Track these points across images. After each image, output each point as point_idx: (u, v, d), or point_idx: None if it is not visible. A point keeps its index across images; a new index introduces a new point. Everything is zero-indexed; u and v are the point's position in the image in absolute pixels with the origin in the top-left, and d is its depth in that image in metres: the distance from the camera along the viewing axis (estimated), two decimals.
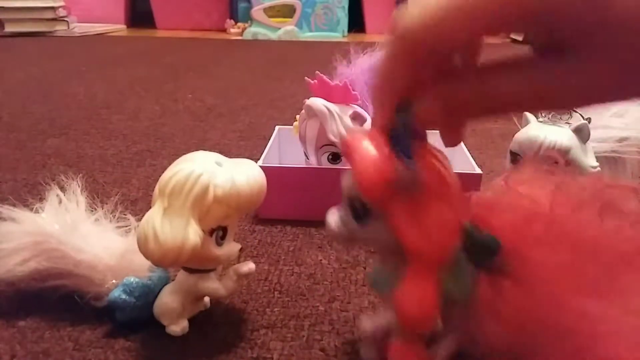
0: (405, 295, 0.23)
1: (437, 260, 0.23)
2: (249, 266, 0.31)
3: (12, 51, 1.54)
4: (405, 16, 0.20)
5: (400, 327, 0.25)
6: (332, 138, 0.44)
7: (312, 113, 0.45)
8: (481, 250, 0.24)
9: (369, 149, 0.22)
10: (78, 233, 0.32)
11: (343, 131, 0.44)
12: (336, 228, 0.25)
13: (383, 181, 0.21)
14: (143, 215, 0.28)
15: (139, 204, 0.50)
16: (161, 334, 0.31)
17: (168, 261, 0.27)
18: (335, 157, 0.46)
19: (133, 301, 0.31)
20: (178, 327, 0.31)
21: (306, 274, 0.38)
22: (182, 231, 0.26)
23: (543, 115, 0.43)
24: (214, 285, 0.30)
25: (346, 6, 2.13)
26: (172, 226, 0.26)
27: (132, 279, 0.31)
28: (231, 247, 0.30)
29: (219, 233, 0.29)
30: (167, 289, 0.31)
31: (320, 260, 0.40)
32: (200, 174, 0.27)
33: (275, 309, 0.34)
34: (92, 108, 0.88)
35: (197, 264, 0.30)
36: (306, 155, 0.48)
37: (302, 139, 0.47)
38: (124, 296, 0.31)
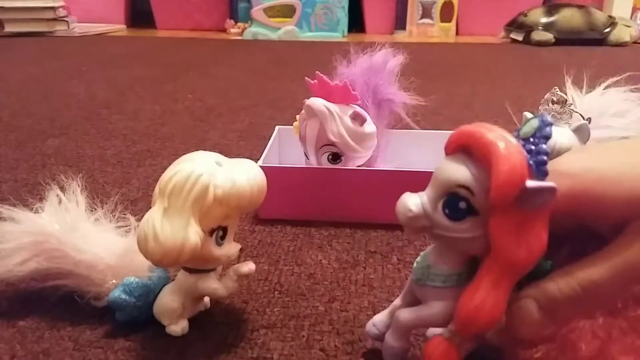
0: (480, 300, 0.23)
1: (523, 274, 0.23)
2: (249, 266, 0.31)
3: (12, 51, 1.54)
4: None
5: (456, 327, 0.24)
6: (332, 138, 0.44)
7: (312, 113, 0.45)
8: (539, 274, 0.24)
9: (513, 149, 0.21)
10: (78, 233, 0.32)
11: (343, 131, 0.44)
12: (417, 212, 0.24)
13: (519, 189, 0.21)
14: (143, 215, 0.28)
15: (139, 204, 0.50)
16: (161, 334, 0.31)
17: (168, 261, 0.27)
18: (335, 157, 0.46)
19: (133, 301, 0.31)
20: (178, 327, 0.31)
21: (306, 274, 0.38)
22: (182, 231, 0.26)
23: None
24: (214, 286, 0.30)
25: (346, 6, 2.13)
26: (172, 226, 0.26)
27: (131, 279, 0.31)
28: (231, 247, 0.30)
29: (219, 233, 0.29)
30: (167, 289, 0.31)
31: (320, 260, 0.40)
32: (201, 174, 0.27)
33: (275, 309, 0.34)
34: (92, 108, 0.88)
35: (197, 264, 0.30)
36: (306, 155, 0.48)
37: (302, 139, 0.47)
38: (123, 296, 0.31)
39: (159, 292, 0.32)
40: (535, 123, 0.22)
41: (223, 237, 0.29)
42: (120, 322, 0.31)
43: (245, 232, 0.45)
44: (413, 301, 0.27)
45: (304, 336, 0.31)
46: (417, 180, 0.44)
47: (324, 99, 0.45)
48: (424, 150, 0.55)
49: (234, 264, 0.31)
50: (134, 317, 0.31)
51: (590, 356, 0.24)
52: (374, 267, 0.39)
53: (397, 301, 0.29)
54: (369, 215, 0.46)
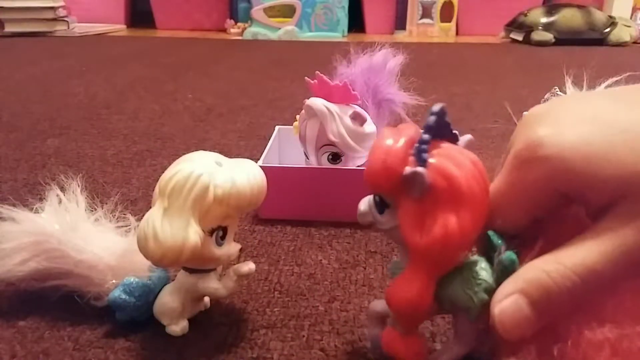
0: (395, 287, 0.25)
1: (434, 261, 0.23)
2: (249, 266, 0.31)
3: (12, 51, 1.54)
4: (555, 140, 0.21)
5: (392, 316, 0.26)
6: (332, 138, 0.44)
7: (312, 113, 0.45)
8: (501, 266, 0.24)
9: (386, 141, 0.24)
10: (78, 233, 0.32)
11: (343, 131, 0.44)
12: (363, 209, 0.26)
13: (386, 175, 0.23)
14: (143, 215, 0.28)
15: (139, 204, 0.50)
16: (161, 334, 0.31)
17: (168, 261, 0.27)
18: (335, 157, 0.46)
19: (133, 301, 0.31)
20: (178, 326, 0.31)
21: (306, 274, 0.38)
22: (182, 231, 0.26)
23: None
24: (214, 286, 0.30)
25: (346, 6, 2.13)
26: (172, 226, 0.26)
27: (131, 279, 0.31)
28: (231, 247, 0.30)
29: (219, 233, 0.29)
30: (167, 289, 0.31)
31: (320, 260, 0.40)
32: (201, 174, 0.27)
33: (275, 309, 0.34)
34: (92, 108, 0.88)
35: (197, 264, 0.30)
36: (306, 155, 0.48)
37: (302, 139, 0.47)
38: (123, 296, 0.31)
39: (159, 292, 0.31)
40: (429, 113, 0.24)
41: (223, 237, 0.29)
42: (121, 322, 0.31)
43: (245, 232, 0.45)
44: None
45: (304, 336, 0.31)
46: None
47: (324, 99, 0.45)
48: None
49: (234, 264, 0.31)
50: (134, 317, 0.31)
51: None
52: (374, 267, 0.39)
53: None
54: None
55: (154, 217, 0.27)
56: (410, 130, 0.24)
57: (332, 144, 0.45)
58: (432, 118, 0.23)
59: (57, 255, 0.32)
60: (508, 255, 0.23)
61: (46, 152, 0.65)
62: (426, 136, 0.23)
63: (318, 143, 0.46)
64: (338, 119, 0.44)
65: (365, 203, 0.26)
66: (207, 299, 0.33)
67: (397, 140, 0.24)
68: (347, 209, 0.46)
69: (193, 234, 0.27)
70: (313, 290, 0.36)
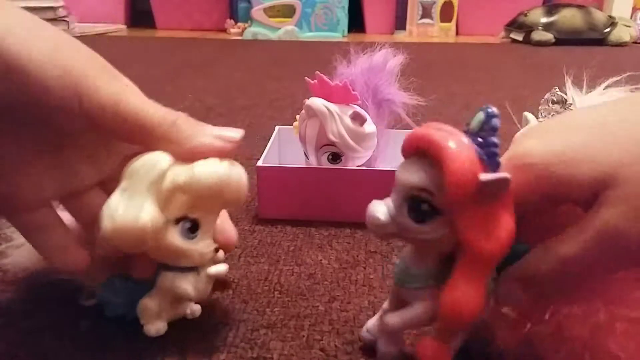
0: (459, 293, 0.23)
1: (494, 264, 0.24)
2: (218, 268, 0.30)
3: None
4: (540, 149, 0.24)
5: (442, 324, 0.25)
6: (332, 138, 0.44)
7: (312, 113, 0.45)
8: (515, 258, 0.25)
9: (462, 146, 0.22)
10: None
11: (343, 131, 0.44)
12: (385, 220, 0.24)
13: (474, 184, 0.22)
14: None
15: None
16: (161, 336, 0.31)
17: (124, 242, 0.26)
18: (335, 157, 0.46)
19: (118, 300, 0.31)
20: (153, 327, 0.30)
21: (306, 274, 0.38)
22: (135, 210, 0.26)
23: (543, 115, 0.43)
24: (184, 286, 0.29)
25: (346, 6, 2.13)
26: (127, 205, 0.26)
27: (115, 278, 0.31)
28: (205, 245, 0.29)
29: (185, 224, 0.28)
30: (152, 290, 0.31)
31: (320, 260, 0.40)
32: (160, 159, 0.27)
33: (275, 309, 0.34)
34: None
35: (164, 256, 0.29)
36: (306, 155, 0.48)
37: (302, 139, 0.47)
38: (108, 294, 0.31)
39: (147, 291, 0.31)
40: (481, 116, 0.23)
41: (193, 231, 0.28)
42: (110, 317, 0.31)
43: (245, 232, 0.45)
44: (399, 304, 0.28)
45: (304, 336, 0.31)
46: None
47: (324, 99, 0.45)
48: None
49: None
50: (122, 315, 0.31)
51: (585, 342, 0.24)
52: (374, 267, 0.39)
53: (385, 305, 0.29)
54: None
55: (112, 198, 0.26)
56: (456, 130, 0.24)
57: (332, 144, 0.45)
58: (496, 120, 0.23)
59: None
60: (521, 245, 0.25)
61: None
62: (496, 139, 0.23)
63: (318, 143, 0.46)
64: (338, 119, 0.44)
65: (383, 212, 0.25)
66: (196, 307, 0.31)
67: (466, 144, 0.23)
68: (347, 209, 0.46)
69: (146, 213, 0.26)
70: (313, 290, 0.36)
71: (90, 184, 0.30)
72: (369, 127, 0.46)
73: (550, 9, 1.93)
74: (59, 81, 0.25)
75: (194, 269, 0.29)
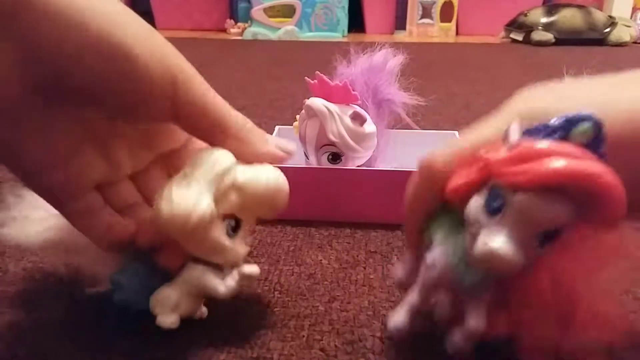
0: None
1: None
2: (252, 268, 0.30)
3: None
4: (433, 154, 0.27)
5: None
6: (332, 138, 0.44)
7: (312, 113, 0.45)
8: None
9: (610, 173, 0.21)
10: None
11: (343, 131, 0.44)
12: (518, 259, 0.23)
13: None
14: None
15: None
16: (161, 335, 0.31)
17: (175, 224, 0.26)
18: (335, 157, 0.46)
19: (134, 284, 0.30)
20: (168, 319, 0.30)
21: (306, 274, 0.38)
22: (195, 197, 0.26)
23: None
24: (215, 281, 0.30)
25: (346, 6, 2.13)
26: (187, 190, 0.26)
27: (135, 263, 0.30)
28: (241, 246, 0.30)
29: (231, 222, 0.29)
30: (171, 282, 0.30)
31: (320, 260, 0.40)
32: (226, 156, 0.28)
33: (275, 309, 0.34)
34: None
35: (204, 250, 0.29)
36: (306, 155, 0.48)
37: (302, 139, 0.47)
38: (126, 276, 0.30)
39: (161, 283, 0.30)
40: (588, 127, 0.22)
41: (235, 230, 0.29)
42: (117, 301, 0.30)
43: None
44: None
45: (304, 336, 0.31)
46: None
47: (324, 99, 0.45)
48: (424, 150, 0.55)
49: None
50: (131, 302, 0.30)
51: (558, 300, 0.24)
52: (374, 267, 0.39)
53: (414, 298, 0.28)
54: (369, 215, 0.46)
55: (174, 181, 0.27)
56: None
57: (332, 144, 0.45)
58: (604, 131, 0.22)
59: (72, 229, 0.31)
60: None
61: None
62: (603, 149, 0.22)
63: (318, 143, 0.46)
64: (338, 119, 0.44)
65: (513, 250, 0.22)
66: (203, 309, 0.32)
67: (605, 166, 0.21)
68: (347, 209, 0.46)
69: (205, 202, 0.26)
70: (313, 290, 0.36)
71: (125, 175, 0.30)
72: (369, 127, 0.46)
73: (550, 9, 1.93)
74: (160, 67, 0.25)
75: (221, 267, 0.30)
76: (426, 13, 2.16)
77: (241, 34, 2.09)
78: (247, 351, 0.30)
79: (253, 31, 2.03)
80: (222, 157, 0.28)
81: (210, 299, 0.32)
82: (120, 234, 0.29)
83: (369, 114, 0.46)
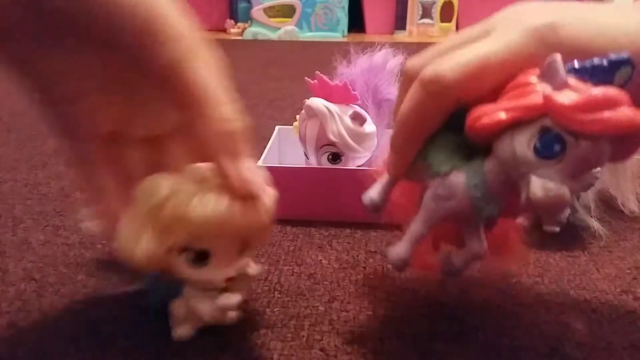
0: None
1: None
2: (227, 300, 0.28)
3: None
4: (438, 67, 0.25)
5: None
6: (332, 138, 0.44)
7: (312, 113, 0.45)
8: None
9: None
10: None
11: (343, 131, 0.44)
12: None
13: None
14: None
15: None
16: (161, 335, 0.31)
17: (133, 263, 0.26)
18: (335, 157, 0.46)
19: (165, 285, 0.30)
20: (178, 330, 0.30)
21: (306, 274, 0.38)
22: (134, 240, 0.26)
23: None
24: (199, 307, 0.29)
25: (346, 6, 2.13)
26: (128, 233, 0.26)
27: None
28: (216, 274, 0.28)
29: (189, 255, 0.27)
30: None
31: (320, 260, 0.40)
32: (161, 185, 0.26)
33: (275, 309, 0.34)
34: None
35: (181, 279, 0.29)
36: (306, 155, 0.48)
37: (302, 139, 0.47)
38: (152, 282, 0.31)
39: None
40: (627, 71, 0.22)
41: (201, 260, 0.27)
42: (151, 303, 0.32)
43: None
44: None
45: (304, 336, 0.31)
46: None
47: (324, 99, 0.45)
48: None
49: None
50: (166, 301, 0.30)
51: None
52: (374, 267, 0.39)
53: (419, 228, 0.28)
54: (368, 215, 0.46)
55: (124, 218, 0.27)
56: None
57: (332, 144, 0.45)
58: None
59: None
60: None
61: (46, 152, 0.65)
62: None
63: (318, 143, 0.46)
64: (338, 119, 0.44)
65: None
66: (232, 313, 0.29)
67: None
68: (347, 209, 0.46)
69: (140, 246, 0.25)
70: (313, 290, 0.36)
71: (136, 136, 0.30)
72: (369, 127, 0.46)
73: None
74: (144, 12, 0.24)
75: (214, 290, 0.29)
76: (426, 13, 2.16)
77: (241, 34, 2.09)
78: (247, 351, 0.30)
79: (253, 31, 2.03)
80: (156, 187, 0.25)
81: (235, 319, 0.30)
82: (103, 212, 0.29)
83: (369, 114, 0.46)
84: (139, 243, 0.25)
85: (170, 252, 0.26)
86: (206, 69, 0.26)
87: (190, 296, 0.29)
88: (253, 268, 0.30)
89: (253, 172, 0.26)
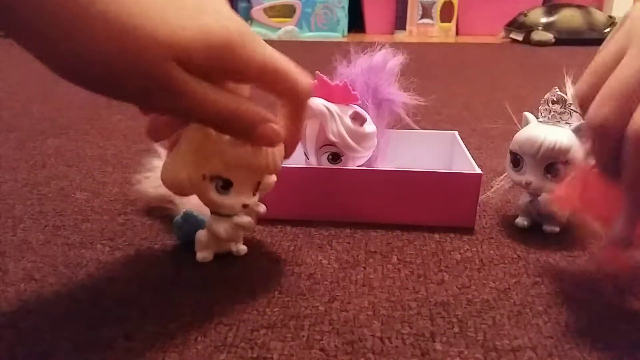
0: None
1: None
2: (244, 219, 0.37)
3: (12, 51, 1.54)
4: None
5: None
6: (332, 138, 0.44)
7: (312, 113, 0.45)
8: None
9: None
10: None
11: (343, 131, 0.44)
12: None
13: None
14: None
15: (139, 204, 0.50)
16: (161, 335, 0.31)
17: (174, 190, 0.34)
18: (335, 157, 0.46)
19: (187, 227, 0.40)
20: (200, 254, 0.39)
21: (306, 274, 0.38)
22: (178, 166, 0.33)
23: (543, 115, 0.43)
24: (217, 228, 0.37)
25: (346, 6, 2.13)
26: (173, 160, 0.33)
27: (191, 210, 0.40)
28: (236, 201, 0.36)
29: (219, 182, 0.35)
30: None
31: (320, 260, 0.40)
32: (206, 129, 0.33)
33: (275, 309, 0.34)
34: (92, 108, 0.88)
35: (207, 206, 0.37)
36: (306, 155, 0.48)
37: (302, 139, 0.47)
38: (182, 221, 0.40)
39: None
40: None
41: (226, 188, 0.35)
42: (179, 238, 0.42)
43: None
44: None
45: (304, 336, 0.31)
46: (417, 180, 0.45)
47: (324, 99, 0.45)
48: (424, 150, 0.55)
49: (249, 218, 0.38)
50: (190, 238, 0.39)
51: None
52: (374, 267, 0.39)
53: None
54: (369, 215, 0.46)
55: (170, 154, 0.34)
56: None
57: (332, 144, 0.45)
58: None
59: None
60: None
61: (46, 152, 0.65)
62: None
63: (318, 143, 0.46)
64: (338, 119, 0.44)
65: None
66: (241, 247, 0.40)
67: None
68: (347, 209, 0.46)
69: (184, 172, 0.33)
70: (313, 290, 0.36)
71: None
72: (369, 127, 0.46)
73: (550, 9, 1.93)
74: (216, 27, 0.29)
75: (230, 216, 0.37)
76: (426, 13, 2.16)
77: None
78: (247, 351, 0.30)
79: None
80: (202, 128, 0.33)
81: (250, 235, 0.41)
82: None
83: (369, 114, 0.46)
84: (183, 169, 0.33)
85: (204, 179, 0.34)
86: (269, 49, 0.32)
87: (211, 221, 0.37)
88: (261, 206, 0.39)
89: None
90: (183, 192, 0.34)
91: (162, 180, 0.33)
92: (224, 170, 0.34)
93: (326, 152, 0.46)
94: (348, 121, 0.45)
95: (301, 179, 0.46)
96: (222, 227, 0.37)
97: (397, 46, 0.51)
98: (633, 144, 0.27)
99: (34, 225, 0.45)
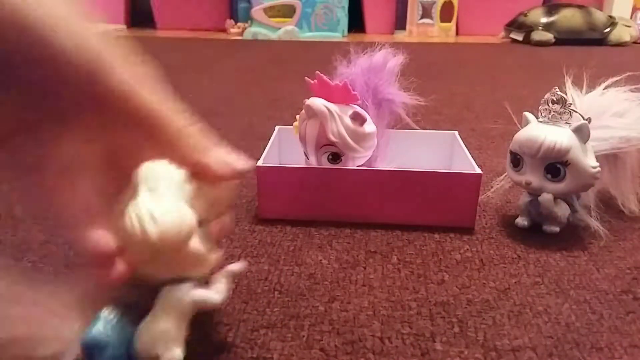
0: None
1: None
2: (237, 265, 0.29)
3: None
4: None
5: None
6: (332, 138, 0.44)
7: (312, 113, 0.45)
8: None
9: None
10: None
11: (343, 131, 0.44)
12: None
13: None
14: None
15: None
16: None
17: (167, 243, 0.24)
18: (335, 157, 0.46)
19: (114, 338, 0.25)
20: (175, 353, 0.26)
21: (306, 274, 0.38)
22: (177, 210, 0.25)
23: (543, 115, 0.43)
24: (205, 293, 0.27)
25: (346, 6, 2.13)
26: (164, 207, 0.24)
27: (107, 312, 0.26)
28: (215, 252, 0.28)
29: (204, 229, 0.27)
30: (152, 316, 0.26)
31: (320, 260, 0.40)
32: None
33: (275, 309, 0.34)
34: None
35: (185, 264, 0.26)
36: (306, 155, 0.48)
37: (302, 139, 0.47)
38: (105, 333, 0.25)
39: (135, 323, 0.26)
40: None
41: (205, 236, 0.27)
42: None
43: (245, 232, 0.45)
44: None
45: (304, 336, 0.31)
46: (417, 180, 0.45)
47: (324, 99, 0.45)
48: (424, 150, 0.55)
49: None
50: (117, 356, 0.25)
51: None
52: (374, 267, 0.39)
53: None
54: (369, 215, 0.46)
55: (143, 200, 0.24)
56: None
57: (332, 144, 0.45)
58: None
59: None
60: None
61: None
62: None
63: (318, 143, 0.46)
64: (338, 119, 0.44)
65: None
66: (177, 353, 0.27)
67: None
68: (347, 209, 0.46)
69: (189, 213, 0.25)
70: (313, 290, 0.36)
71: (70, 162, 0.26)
72: (369, 127, 0.46)
73: (550, 9, 1.93)
74: (76, 52, 0.24)
75: (194, 280, 0.27)
76: (426, 13, 2.16)
77: (241, 34, 2.09)
78: (247, 351, 0.30)
79: (253, 31, 2.03)
80: (172, 166, 0.26)
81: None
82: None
83: (369, 114, 0.46)
84: (185, 211, 0.25)
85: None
86: (148, 88, 0.28)
87: (180, 296, 0.27)
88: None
89: (224, 155, 0.28)
90: (178, 246, 0.25)
91: (155, 231, 0.24)
92: (207, 211, 0.27)
93: (326, 152, 0.46)
94: (348, 121, 0.45)
95: (301, 179, 0.46)
96: (211, 292, 0.28)
97: (397, 46, 0.51)
98: None
99: (34, 225, 0.45)
